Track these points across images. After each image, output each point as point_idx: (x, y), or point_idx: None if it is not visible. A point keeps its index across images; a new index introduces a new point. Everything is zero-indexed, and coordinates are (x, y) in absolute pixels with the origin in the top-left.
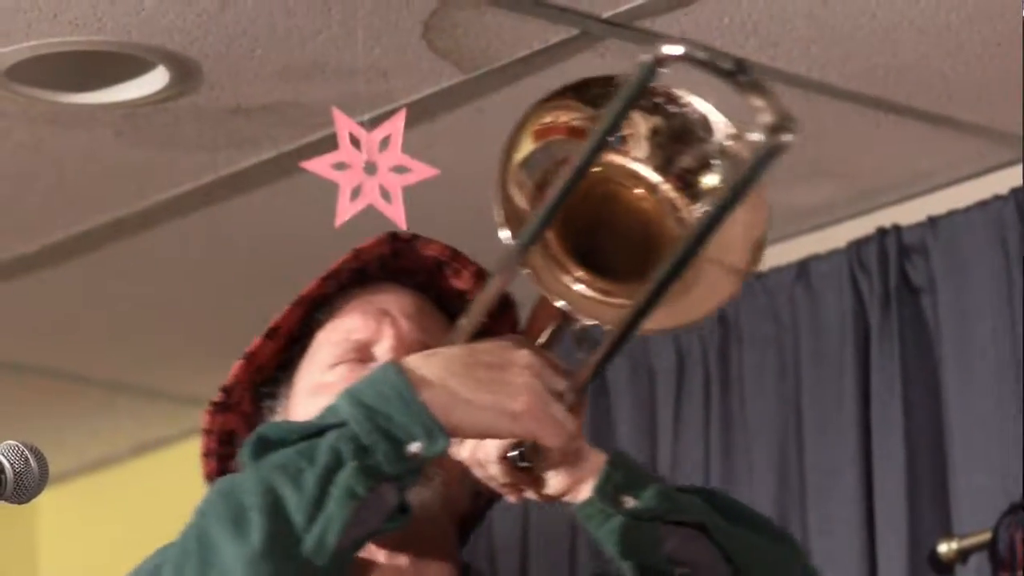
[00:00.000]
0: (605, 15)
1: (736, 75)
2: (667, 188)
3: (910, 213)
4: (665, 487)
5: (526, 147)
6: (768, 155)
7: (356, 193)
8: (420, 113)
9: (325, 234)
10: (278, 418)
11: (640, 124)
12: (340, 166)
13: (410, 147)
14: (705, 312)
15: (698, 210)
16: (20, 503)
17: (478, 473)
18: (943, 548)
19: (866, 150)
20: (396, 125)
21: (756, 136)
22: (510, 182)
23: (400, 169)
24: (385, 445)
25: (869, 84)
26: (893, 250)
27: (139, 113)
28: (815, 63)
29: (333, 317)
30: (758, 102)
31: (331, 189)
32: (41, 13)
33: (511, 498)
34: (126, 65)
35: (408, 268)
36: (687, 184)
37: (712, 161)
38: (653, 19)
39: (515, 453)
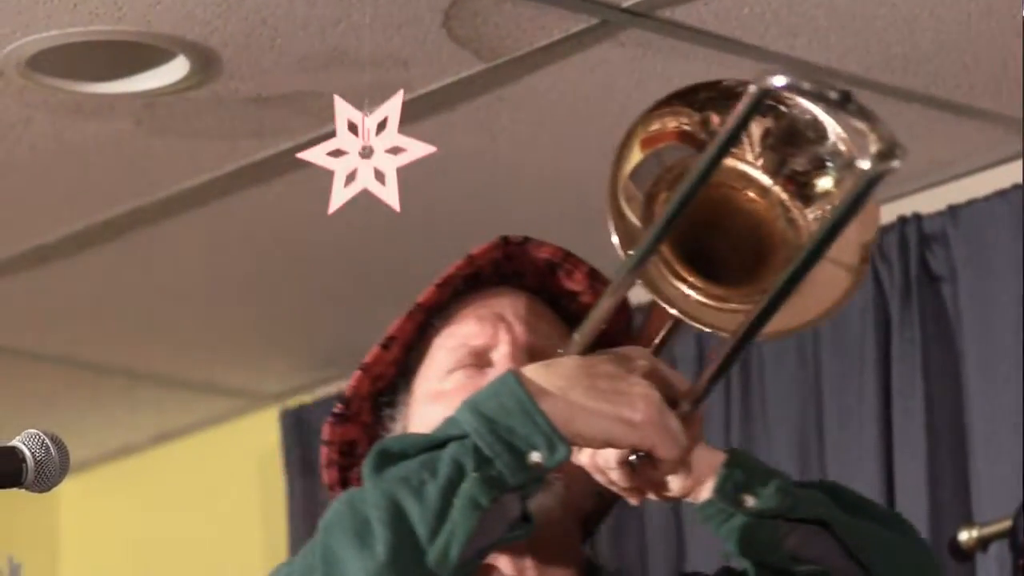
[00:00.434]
0: (625, 4)
1: (844, 104)
2: (779, 190)
3: (930, 202)
4: (785, 483)
5: (635, 158)
6: (874, 181)
7: (351, 179)
8: (439, 102)
9: (345, 223)
10: (398, 426)
11: (751, 127)
12: (336, 153)
13: (429, 136)
14: (819, 314)
15: (810, 213)
16: (41, 491)
17: (599, 478)
18: (964, 536)
19: None
20: (393, 106)
21: (863, 163)
22: (620, 196)
23: (395, 150)
24: (507, 456)
25: (889, 73)
26: (914, 239)
27: (159, 102)
28: (834, 52)
29: (449, 323)
30: (865, 129)
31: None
32: (62, 3)
33: (632, 501)
34: (146, 55)
35: (520, 271)
36: (799, 186)
37: (824, 164)
38: (673, 8)
39: (634, 457)
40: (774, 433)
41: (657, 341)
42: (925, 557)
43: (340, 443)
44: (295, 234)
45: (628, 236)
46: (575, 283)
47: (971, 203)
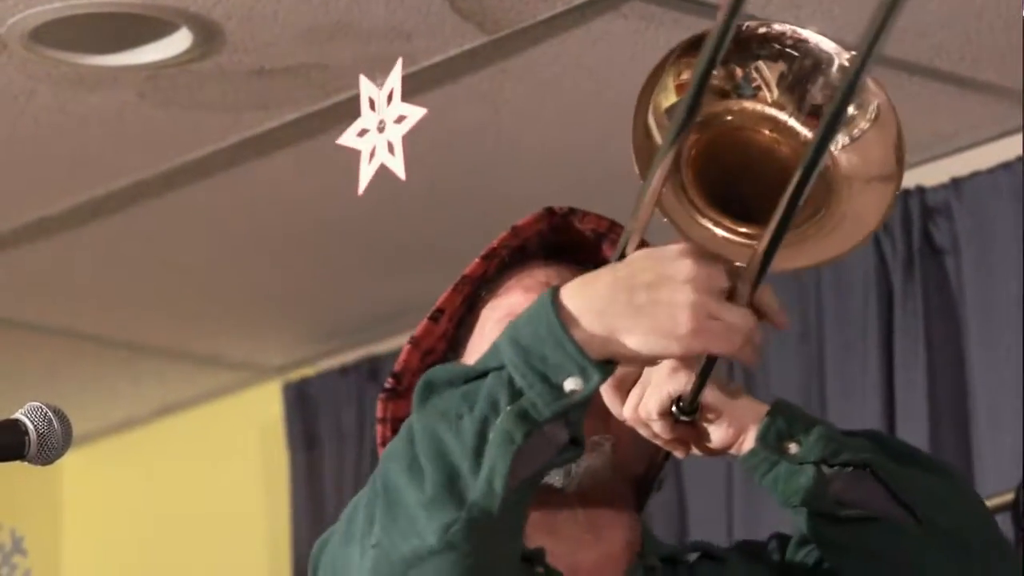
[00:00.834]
0: None
1: None
2: (802, 128)
3: (933, 174)
4: (829, 430)
5: (671, 97)
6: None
7: (372, 155)
8: (443, 75)
9: (348, 195)
10: None
11: (766, 71)
12: (361, 132)
13: (432, 108)
14: (880, 220)
15: (837, 144)
16: (44, 464)
17: (642, 432)
18: None
19: None
20: (396, 76)
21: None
22: (652, 120)
23: (400, 119)
24: (541, 386)
25: (893, 46)
26: (916, 212)
27: (162, 75)
28: (838, 24)
29: (496, 295)
30: None
31: (353, 152)
32: None
33: (678, 454)
34: (149, 27)
35: (566, 244)
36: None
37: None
38: None
39: (675, 408)
40: None
41: None
42: (974, 502)
43: (394, 420)
44: (298, 206)
45: (648, 155)
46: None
47: (974, 176)
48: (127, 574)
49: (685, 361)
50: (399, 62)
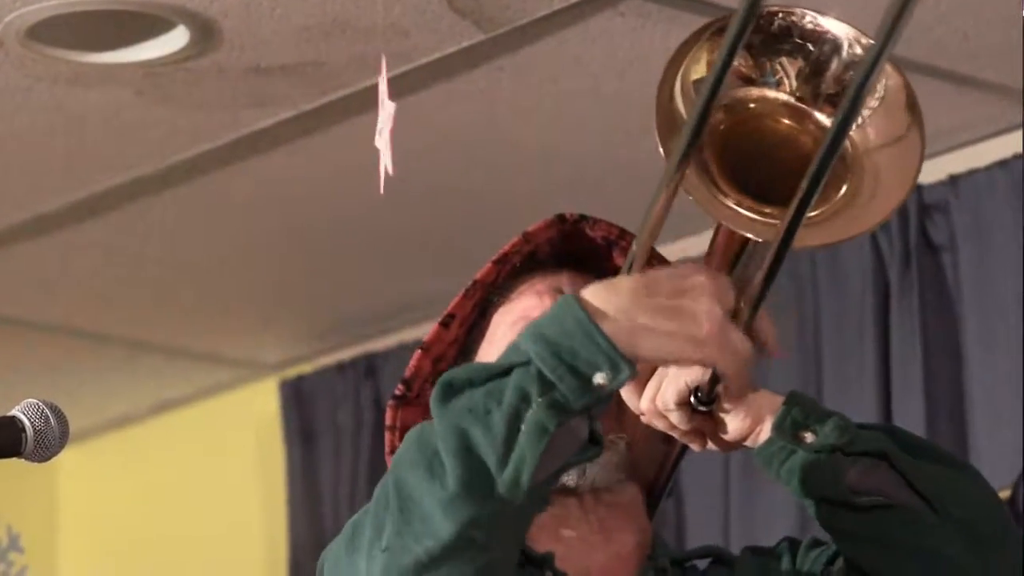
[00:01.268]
0: None
1: None
2: (819, 114)
3: (931, 171)
4: (844, 420)
5: (701, 71)
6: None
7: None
8: (440, 72)
9: (345, 193)
10: None
11: (787, 64)
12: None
13: (429, 106)
14: (913, 179)
15: (857, 128)
16: (41, 461)
17: (658, 424)
18: None
19: None
20: (383, 75)
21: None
22: (678, 87)
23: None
24: (571, 379)
25: None
26: (914, 208)
27: (159, 72)
28: (857, 6)
29: (507, 300)
30: None
31: (350, 149)
32: None
33: (694, 446)
34: (146, 24)
35: (576, 251)
36: (837, 106)
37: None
38: None
39: (693, 399)
40: None
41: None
42: (988, 495)
43: (403, 428)
44: (295, 204)
45: (668, 119)
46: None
47: (971, 173)
48: (123, 570)
49: None
50: (382, 58)
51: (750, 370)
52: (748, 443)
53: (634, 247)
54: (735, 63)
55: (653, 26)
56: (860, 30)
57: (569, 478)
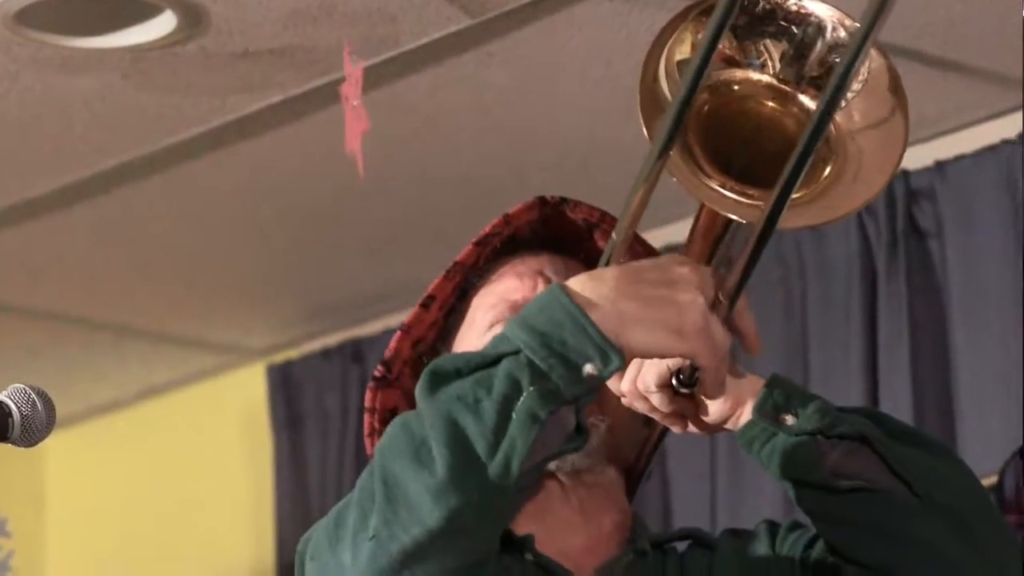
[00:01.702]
0: None
1: None
2: (803, 97)
3: (917, 158)
4: (825, 403)
5: (686, 52)
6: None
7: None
8: (427, 57)
9: (332, 178)
10: None
11: (771, 47)
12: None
13: (417, 91)
14: (898, 159)
15: (841, 110)
16: (27, 446)
17: (640, 406)
18: None
19: None
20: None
21: None
22: (663, 68)
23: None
24: (561, 369)
25: None
26: (900, 194)
27: (147, 57)
28: None
29: (487, 282)
30: None
31: (338, 134)
32: None
33: (675, 428)
34: (134, 9)
35: (557, 233)
36: (820, 89)
37: (834, 58)
38: None
39: (674, 381)
40: None
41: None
42: (970, 479)
43: (382, 410)
44: (282, 189)
45: (652, 100)
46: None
47: (959, 159)
48: (111, 556)
49: None
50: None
51: (727, 364)
52: (729, 425)
53: (614, 235)
54: (725, 48)
55: (640, 12)
56: (844, 12)
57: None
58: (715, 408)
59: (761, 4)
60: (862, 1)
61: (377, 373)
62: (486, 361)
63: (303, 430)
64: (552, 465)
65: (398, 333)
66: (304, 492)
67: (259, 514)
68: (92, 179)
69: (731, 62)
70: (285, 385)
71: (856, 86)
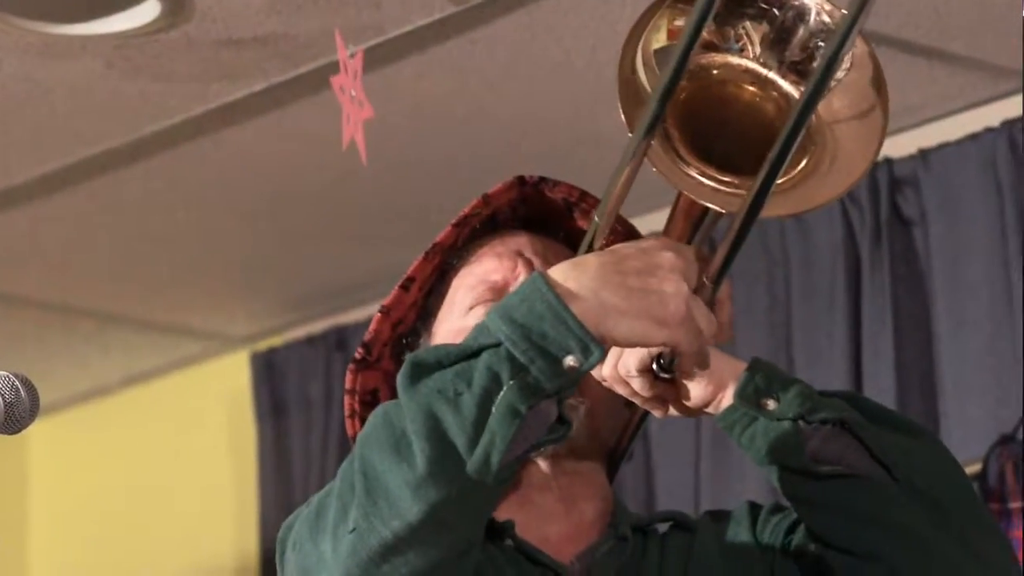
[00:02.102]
0: None
1: None
2: (783, 82)
3: (901, 146)
4: (806, 388)
5: (662, 40)
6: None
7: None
8: (412, 44)
9: (316, 165)
10: None
11: (751, 30)
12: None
13: (401, 78)
14: (872, 156)
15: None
16: (11, 433)
17: (620, 390)
18: None
19: None
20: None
21: None
22: (638, 58)
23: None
24: (542, 362)
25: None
26: (884, 183)
27: (130, 44)
28: None
29: (467, 263)
30: None
31: (321, 121)
32: None
33: (656, 413)
34: None
35: (537, 213)
36: (802, 74)
37: (818, 44)
38: None
39: (655, 366)
40: None
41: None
42: (951, 465)
43: (362, 392)
44: (266, 176)
45: (632, 93)
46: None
47: (942, 147)
48: (94, 543)
49: None
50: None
51: (707, 350)
52: (711, 409)
53: (596, 218)
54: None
55: None
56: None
57: None
58: (696, 392)
59: None
60: None
61: (357, 355)
62: (466, 353)
63: (287, 418)
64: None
65: (377, 315)
66: (287, 480)
67: (242, 501)
68: (75, 166)
69: (710, 46)
70: (269, 373)
71: (840, 74)
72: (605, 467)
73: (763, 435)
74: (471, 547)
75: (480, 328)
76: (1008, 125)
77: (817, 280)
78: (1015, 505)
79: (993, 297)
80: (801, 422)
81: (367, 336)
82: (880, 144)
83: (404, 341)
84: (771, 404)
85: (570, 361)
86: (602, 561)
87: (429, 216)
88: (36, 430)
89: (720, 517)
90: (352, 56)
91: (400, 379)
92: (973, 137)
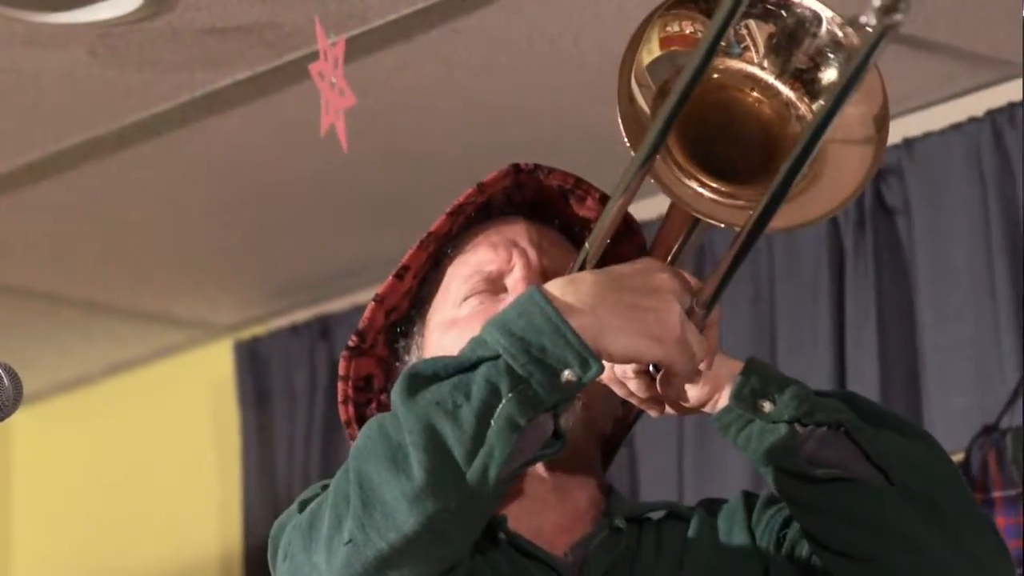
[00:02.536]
0: None
1: None
2: (786, 89)
3: None
4: (802, 389)
5: (653, 50)
6: (880, 36)
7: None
8: (396, 33)
9: (300, 154)
10: (413, 358)
11: (755, 31)
12: (321, 76)
13: (385, 67)
14: (854, 190)
15: (812, 107)
16: None
17: (617, 391)
18: None
19: None
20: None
21: (866, 19)
22: (633, 80)
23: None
24: (541, 375)
25: (845, 6)
26: None
27: (114, 33)
28: None
29: (462, 252)
30: None
31: (305, 110)
32: None
33: (653, 413)
34: None
35: (532, 200)
36: (806, 83)
37: (827, 56)
38: None
39: (652, 368)
40: None
41: (675, 249)
42: (947, 467)
43: (355, 378)
44: (250, 165)
45: (634, 121)
46: (587, 209)
47: (926, 136)
48: (78, 532)
49: None
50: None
51: (698, 371)
52: (707, 409)
53: (587, 245)
54: (699, 31)
55: None
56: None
57: None
58: (693, 393)
59: None
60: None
61: (351, 343)
62: (464, 365)
63: (270, 407)
64: None
65: (371, 303)
66: (271, 468)
67: (226, 490)
68: (59, 154)
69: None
70: (252, 361)
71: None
72: (600, 456)
73: (759, 437)
74: (463, 558)
75: (477, 341)
76: (992, 115)
77: (801, 268)
78: (997, 495)
79: (976, 287)
80: (797, 424)
81: (361, 324)
82: (877, 164)
83: (398, 329)
84: (767, 406)
85: (568, 375)
86: (596, 553)
87: (413, 205)
88: (20, 418)
89: (715, 508)
90: (333, 44)
91: (397, 391)
92: (957, 127)
